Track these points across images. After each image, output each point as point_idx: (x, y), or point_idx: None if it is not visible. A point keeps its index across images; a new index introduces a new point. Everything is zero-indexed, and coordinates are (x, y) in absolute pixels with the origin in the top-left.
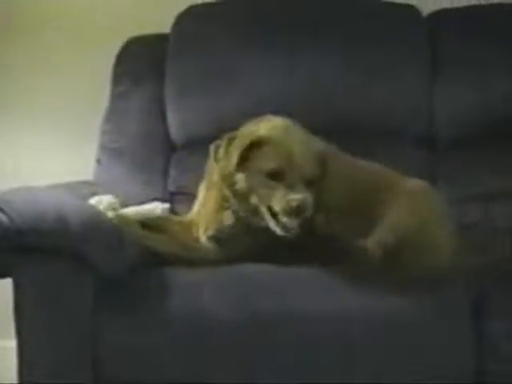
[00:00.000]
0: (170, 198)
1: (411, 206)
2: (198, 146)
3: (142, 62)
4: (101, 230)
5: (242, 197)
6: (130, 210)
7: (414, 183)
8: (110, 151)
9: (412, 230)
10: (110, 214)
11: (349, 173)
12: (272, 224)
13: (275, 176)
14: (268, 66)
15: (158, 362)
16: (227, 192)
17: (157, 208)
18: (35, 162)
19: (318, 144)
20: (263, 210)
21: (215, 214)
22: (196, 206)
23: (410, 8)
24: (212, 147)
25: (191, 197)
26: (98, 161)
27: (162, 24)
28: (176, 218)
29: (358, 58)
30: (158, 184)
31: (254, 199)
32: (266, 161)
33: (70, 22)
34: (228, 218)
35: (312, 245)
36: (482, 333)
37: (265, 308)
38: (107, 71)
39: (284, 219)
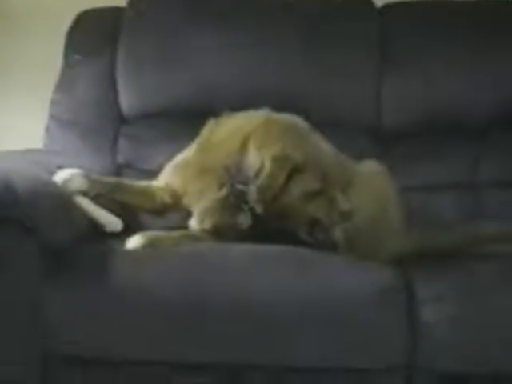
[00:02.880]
0: (117, 169)
1: (370, 189)
2: (150, 119)
3: (95, 34)
4: (49, 200)
5: (274, 205)
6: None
7: (369, 165)
8: (60, 121)
9: (372, 213)
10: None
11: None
12: (303, 233)
13: (317, 194)
14: (223, 42)
15: (103, 334)
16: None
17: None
18: None
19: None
20: (298, 220)
21: (221, 209)
22: (170, 176)
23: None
24: (212, 122)
25: (139, 171)
26: (48, 129)
27: None
28: (136, 187)
29: (308, 48)
30: (106, 155)
31: (290, 210)
32: (308, 183)
33: None
34: (246, 220)
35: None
36: (415, 318)
37: (204, 285)
38: (61, 42)
39: (319, 232)
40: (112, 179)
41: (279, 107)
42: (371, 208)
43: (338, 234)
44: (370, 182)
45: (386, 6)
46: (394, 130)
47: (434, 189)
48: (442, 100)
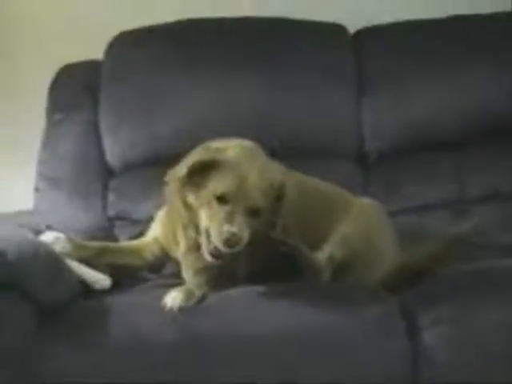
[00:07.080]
0: (109, 223)
1: (359, 222)
2: (136, 170)
3: (75, 89)
4: (41, 263)
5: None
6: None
7: (364, 201)
8: (48, 179)
9: (359, 244)
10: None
11: (305, 198)
12: (204, 246)
13: (221, 200)
14: (202, 88)
15: None
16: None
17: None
18: None
19: (277, 172)
20: (202, 229)
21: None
22: (156, 228)
23: (337, 26)
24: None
25: (130, 221)
26: (37, 189)
27: (94, 51)
28: (124, 248)
29: (286, 77)
30: (96, 210)
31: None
32: (217, 183)
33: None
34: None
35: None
36: (416, 344)
37: (203, 329)
38: (43, 100)
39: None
40: (97, 243)
41: (262, 142)
42: (361, 237)
43: (321, 261)
44: (363, 214)
45: (361, 31)
46: (377, 155)
47: (424, 210)
48: (422, 119)
